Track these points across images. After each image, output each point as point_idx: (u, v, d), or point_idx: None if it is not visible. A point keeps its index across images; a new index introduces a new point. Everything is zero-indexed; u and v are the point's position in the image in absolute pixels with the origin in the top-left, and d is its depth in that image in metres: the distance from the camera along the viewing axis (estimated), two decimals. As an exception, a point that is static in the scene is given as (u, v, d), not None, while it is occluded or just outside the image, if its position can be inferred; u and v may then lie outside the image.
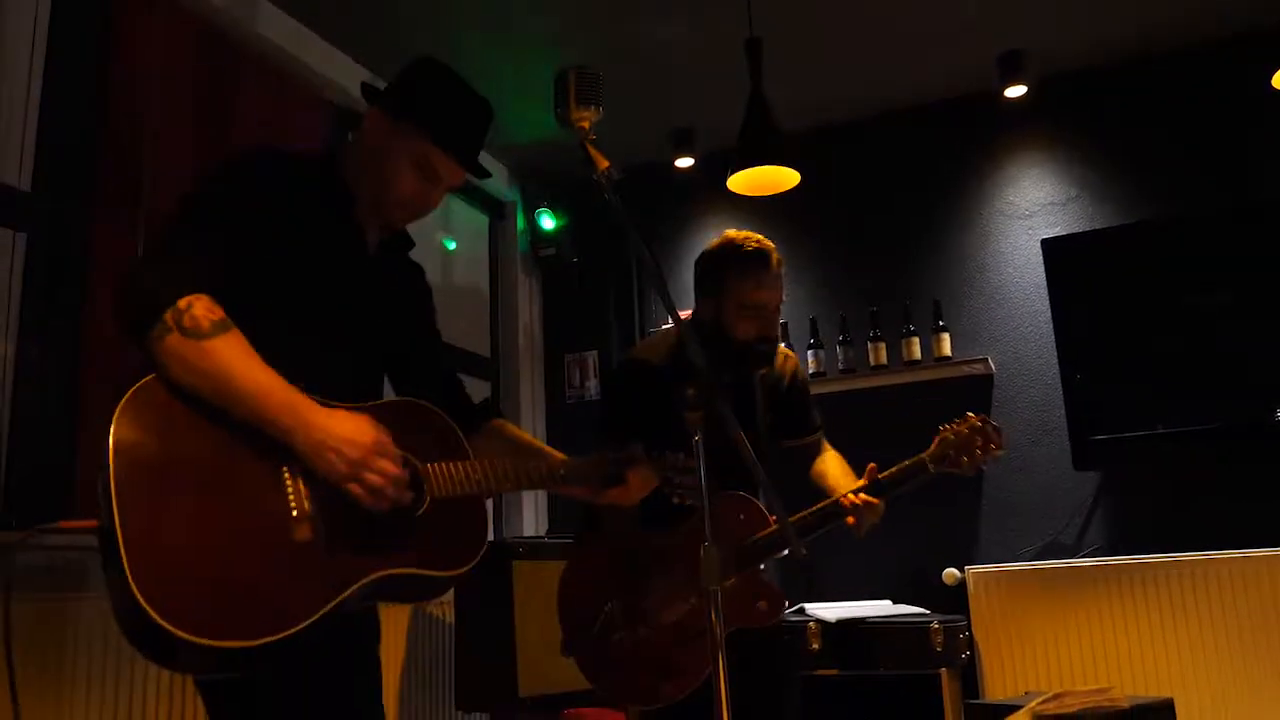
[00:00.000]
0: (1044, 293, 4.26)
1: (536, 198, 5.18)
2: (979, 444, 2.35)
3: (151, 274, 1.52)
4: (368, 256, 1.84)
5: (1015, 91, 4.22)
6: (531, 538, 4.46)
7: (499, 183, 5.09)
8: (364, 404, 1.65)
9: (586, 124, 1.70)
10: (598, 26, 3.89)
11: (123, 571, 1.32)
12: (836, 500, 2.38)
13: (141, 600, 1.32)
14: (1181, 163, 4.14)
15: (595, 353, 5.07)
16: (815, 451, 2.70)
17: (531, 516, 4.89)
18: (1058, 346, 4.18)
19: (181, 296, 1.49)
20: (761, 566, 2.41)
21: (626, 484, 1.96)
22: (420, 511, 1.63)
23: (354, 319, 1.77)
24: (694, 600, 2.30)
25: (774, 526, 2.34)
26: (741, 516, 2.38)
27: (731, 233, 2.56)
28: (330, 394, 1.61)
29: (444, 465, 1.69)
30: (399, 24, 3.69)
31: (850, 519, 2.34)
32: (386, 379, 1.95)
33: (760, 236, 2.53)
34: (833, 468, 2.61)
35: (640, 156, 4.71)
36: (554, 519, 4.92)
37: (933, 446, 2.38)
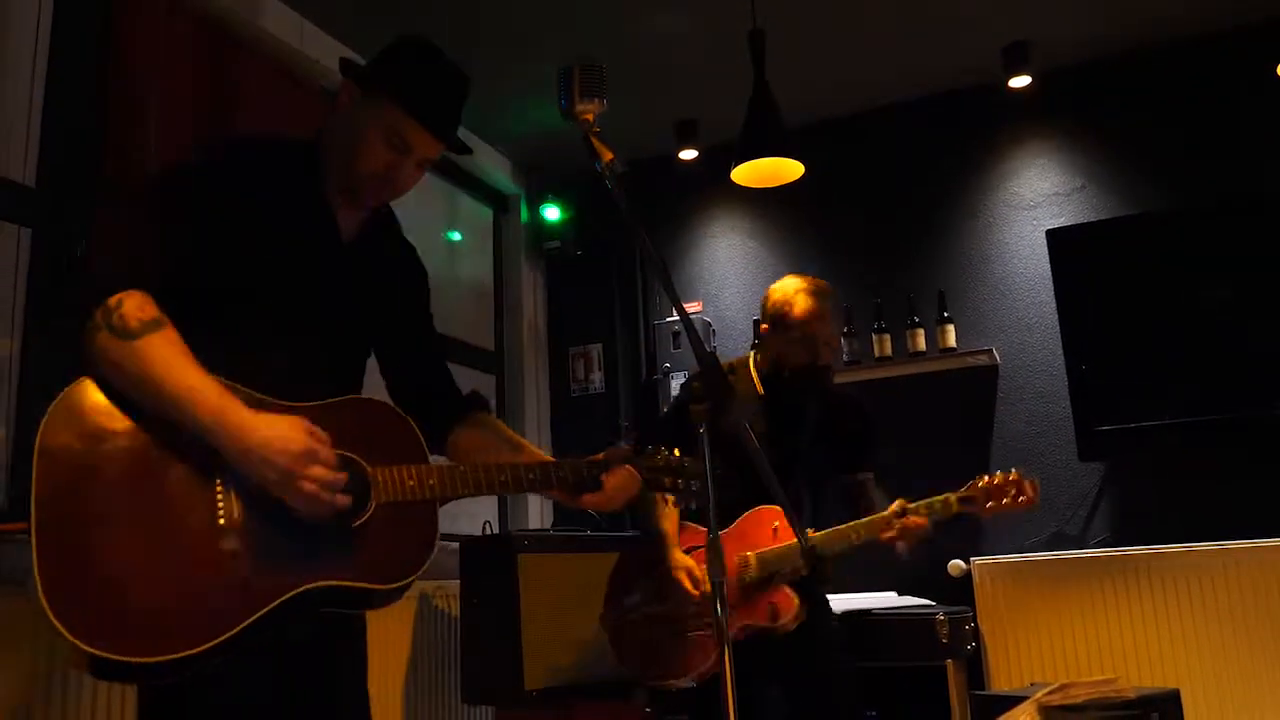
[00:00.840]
0: (1049, 284, 4.25)
1: (541, 191, 5.18)
2: (1011, 494, 2.43)
3: (88, 269, 1.48)
4: (341, 245, 1.75)
5: (1020, 82, 4.21)
6: (537, 531, 4.47)
7: (503, 176, 5.09)
8: (313, 403, 1.57)
9: (590, 117, 1.68)
10: (601, 19, 3.88)
11: (35, 584, 1.29)
12: (881, 518, 2.54)
13: (50, 614, 1.28)
14: (1187, 154, 4.13)
15: (600, 346, 5.07)
16: (858, 492, 2.83)
17: (537, 509, 4.89)
18: (1063, 337, 4.17)
19: (112, 293, 1.45)
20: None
21: (604, 490, 1.80)
22: (363, 519, 1.54)
23: (323, 311, 1.70)
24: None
25: (792, 542, 2.53)
26: (774, 528, 2.54)
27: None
28: (298, 389, 1.57)
29: (395, 470, 1.59)
30: (400, 16, 3.69)
31: (893, 536, 2.53)
32: (380, 370, 1.90)
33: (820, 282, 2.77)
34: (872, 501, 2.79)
35: (643, 149, 4.71)
36: (559, 512, 4.92)
37: (964, 489, 2.49)
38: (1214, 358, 3.88)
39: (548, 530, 4.29)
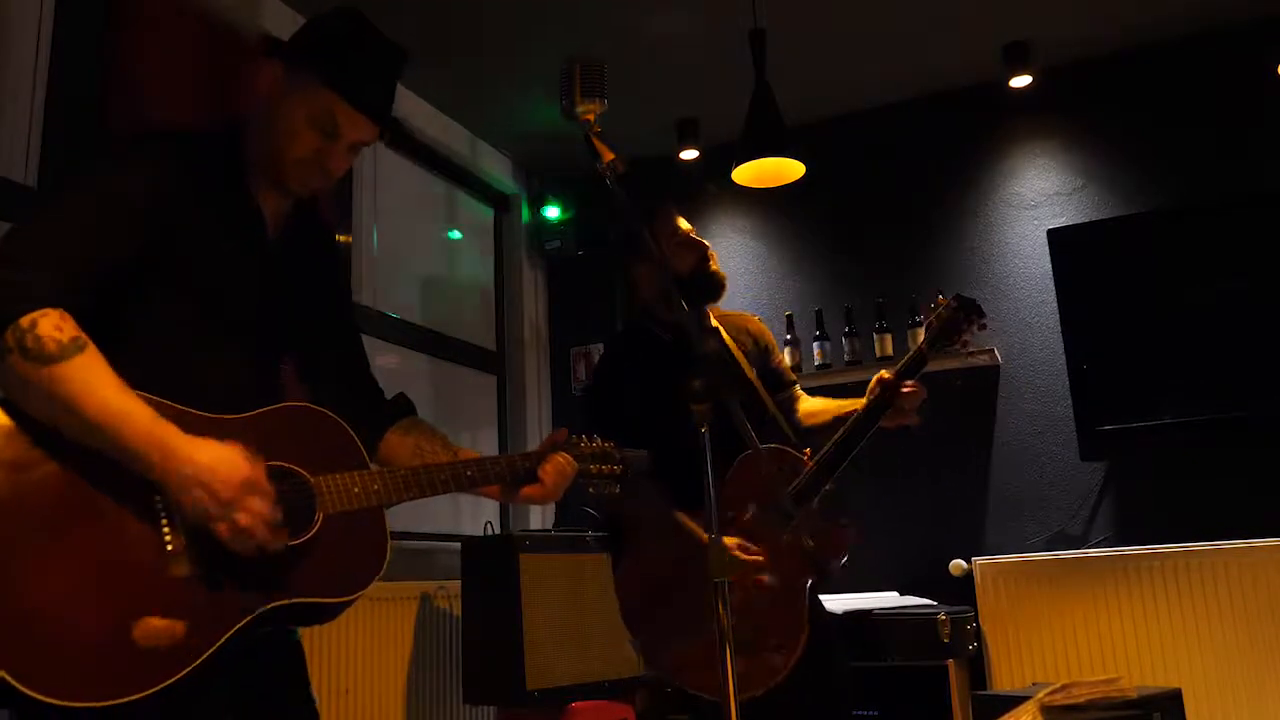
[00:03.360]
0: (1050, 283, 4.25)
1: (541, 190, 5.18)
2: (963, 321, 2.37)
3: None
4: (266, 240, 1.64)
5: (1020, 81, 4.21)
6: (538, 531, 4.47)
7: (504, 175, 5.09)
8: (245, 414, 1.49)
9: (591, 116, 1.68)
10: (601, 18, 3.88)
11: None
12: (879, 395, 2.35)
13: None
14: (1188, 151, 4.12)
15: (601, 345, 5.07)
16: (794, 402, 2.70)
17: (539, 509, 4.89)
18: (1064, 337, 4.17)
19: (24, 312, 1.31)
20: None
21: (541, 482, 1.74)
22: (312, 532, 1.47)
23: (248, 311, 1.60)
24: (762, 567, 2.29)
25: (810, 464, 2.36)
26: (779, 468, 2.37)
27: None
28: (224, 394, 1.49)
29: (338, 478, 1.51)
30: (401, 15, 3.68)
31: (898, 403, 2.34)
32: (299, 375, 1.78)
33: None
34: (824, 401, 2.66)
35: (644, 149, 4.70)
36: (560, 512, 4.92)
37: (922, 335, 2.41)
38: (1216, 356, 3.87)
39: (549, 530, 4.29)
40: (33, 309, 1.32)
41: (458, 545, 3.81)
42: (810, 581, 2.37)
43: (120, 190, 1.47)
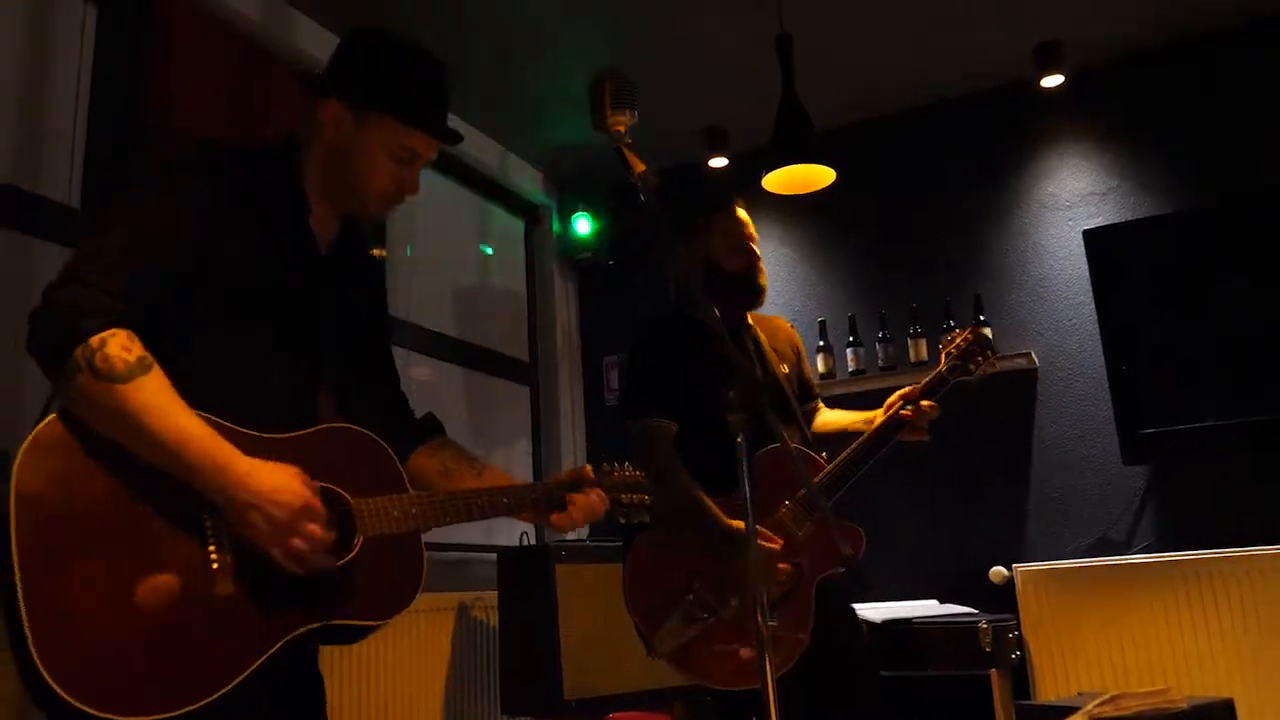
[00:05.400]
0: (1087, 284, 4.19)
1: (572, 201, 5.19)
2: (977, 353, 2.55)
3: (63, 300, 1.37)
4: (319, 258, 1.70)
5: (1052, 81, 4.16)
6: (573, 540, 4.46)
7: (534, 188, 5.11)
8: (296, 433, 1.53)
9: (622, 128, 1.67)
10: (630, 27, 3.89)
11: (27, 648, 1.23)
12: (895, 413, 2.48)
13: (49, 680, 1.23)
14: (1223, 148, 4.06)
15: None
16: (813, 414, 2.78)
17: (573, 520, 4.89)
18: (1102, 339, 4.11)
19: (94, 331, 1.35)
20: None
21: (570, 515, 1.77)
22: (352, 555, 1.50)
23: (299, 328, 1.64)
24: (786, 560, 2.32)
25: (830, 466, 2.45)
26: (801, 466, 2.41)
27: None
28: (269, 408, 1.53)
29: (377, 501, 1.55)
30: (431, 31, 3.71)
31: (912, 419, 2.46)
32: (334, 393, 1.79)
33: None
34: (842, 413, 2.75)
35: (673, 157, 4.70)
36: (595, 522, 4.91)
37: (943, 361, 2.55)
38: (1259, 356, 3.80)
39: (584, 541, 4.29)
40: (102, 329, 1.36)
41: (493, 556, 3.82)
42: (823, 577, 2.41)
43: (179, 208, 1.50)
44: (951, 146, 4.55)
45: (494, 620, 3.86)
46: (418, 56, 1.71)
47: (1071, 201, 4.32)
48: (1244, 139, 4.03)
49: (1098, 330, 4.13)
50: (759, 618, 1.56)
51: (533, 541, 4.37)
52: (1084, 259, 4.20)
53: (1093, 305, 4.16)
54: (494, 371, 4.82)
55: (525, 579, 3.61)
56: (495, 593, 3.73)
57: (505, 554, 3.77)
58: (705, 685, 2.31)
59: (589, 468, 1.83)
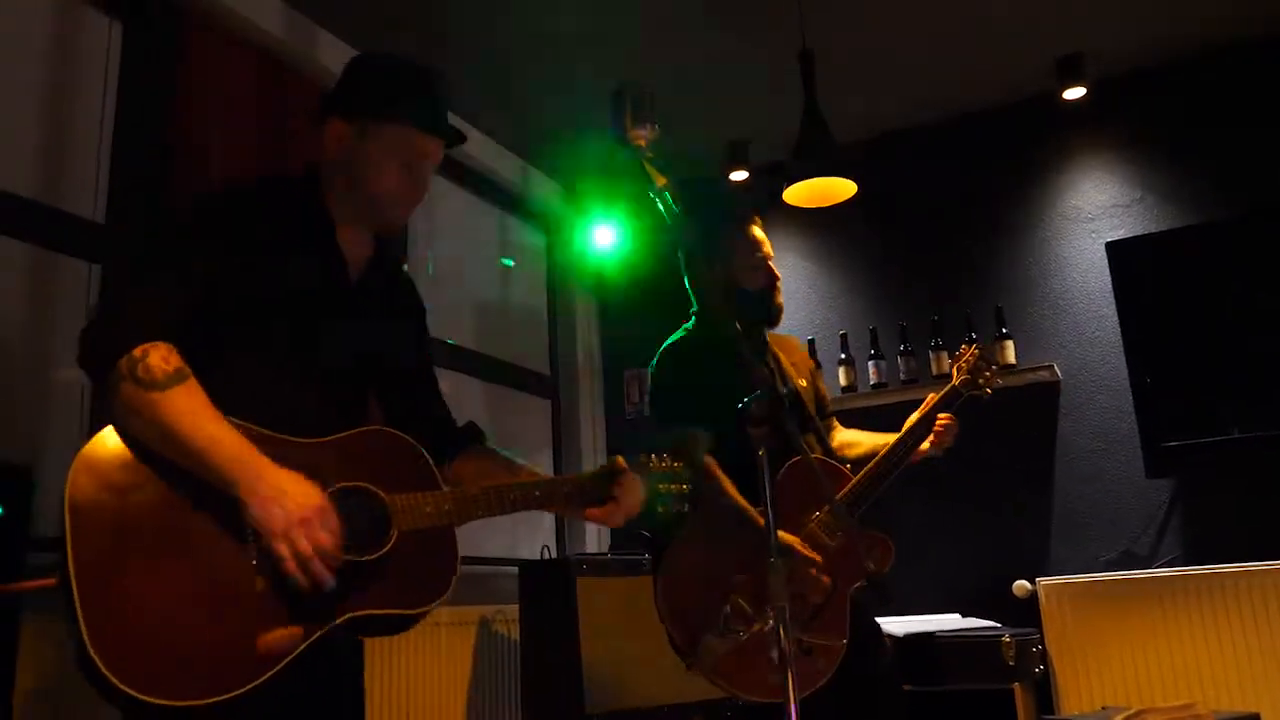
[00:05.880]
0: (1110, 297, 4.17)
1: (593, 215, 5.21)
2: (984, 371, 2.65)
3: (110, 317, 1.51)
4: (349, 282, 1.77)
5: (1075, 93, 4.15)
6: (595, 554, 4.47)
7: (555, 201, 5.14)
8: (332, 437, 1.61)
9: (643, 142, 1.68)
10: (649, 42, 3.91)
11: (82, 640, 1.32)
12: (918, 424, 2.56)
13: (103, 668, 1.31)
14: (1247, 159, 4.03)
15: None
16: (830, 432, 2.80)
17: (594, 532, 4.89)
18: (1126, 351, 4.09)
19: (138, 344, 1.46)
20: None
21: (616, 500, 1.78)
22: (387, 548, 1.56)
23: (334, 350, 1.71)
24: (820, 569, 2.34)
25: (855, 477, 2.49)
26: (826, 477, 2.46)
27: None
28: (309, 429, 1.58)
29: (411, 496, 1.61)
30: (452, 49, 3.75)
31: (940, 431, 2.56)
32: (377, 403, 1.90)
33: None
34: (858, 432, 2.80)
35: (694, 170, 4.72)
36: (616, 536, 4.92)
37: (955, 376, 2.65)
38: (1285, 369, 3.77)
39: (605, 554, 4.29)
40: (145, 341, 1.46)
41: (515, 570, 3.82)
42: (854, 588, 2.40)
43: (216, 236, 1.60)
44: (973, 159, 4.55)
45: (515, 634, 3.87)
46: (405, 65, 1.77)
47: (1094, 214, 4.30)
48: (1267, 150, 4.00)
49: (1121, 343, 4.11)
50: (780, 631, 1.56)
51: (554, 555, 4.38)
52: (1107, 271, 4.18)
53: (1116, 318, 4.14)
54: (515, 385, 4.84)
55: (547, 592, 3.61)
56: (516, 606, 3.73)
57: (527, 567, 3.77)
58: (741, 697, 2.29)
59: (621, 459, 1.83)
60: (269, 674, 1.42)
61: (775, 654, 2.14)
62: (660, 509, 1.85)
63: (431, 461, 1.70)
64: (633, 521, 1.82)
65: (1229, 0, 3.82)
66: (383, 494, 1.59)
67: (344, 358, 1.73)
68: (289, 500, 1.44)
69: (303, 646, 1.46)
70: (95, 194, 2.97)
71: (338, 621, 1.50)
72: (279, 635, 1.44)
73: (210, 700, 1.37)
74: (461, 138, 1.81)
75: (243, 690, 1.39)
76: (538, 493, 1.75)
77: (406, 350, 1.91)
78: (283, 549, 1.43)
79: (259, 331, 1.62)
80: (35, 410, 2.78)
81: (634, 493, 1.79)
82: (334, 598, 1.49)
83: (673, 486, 1.86)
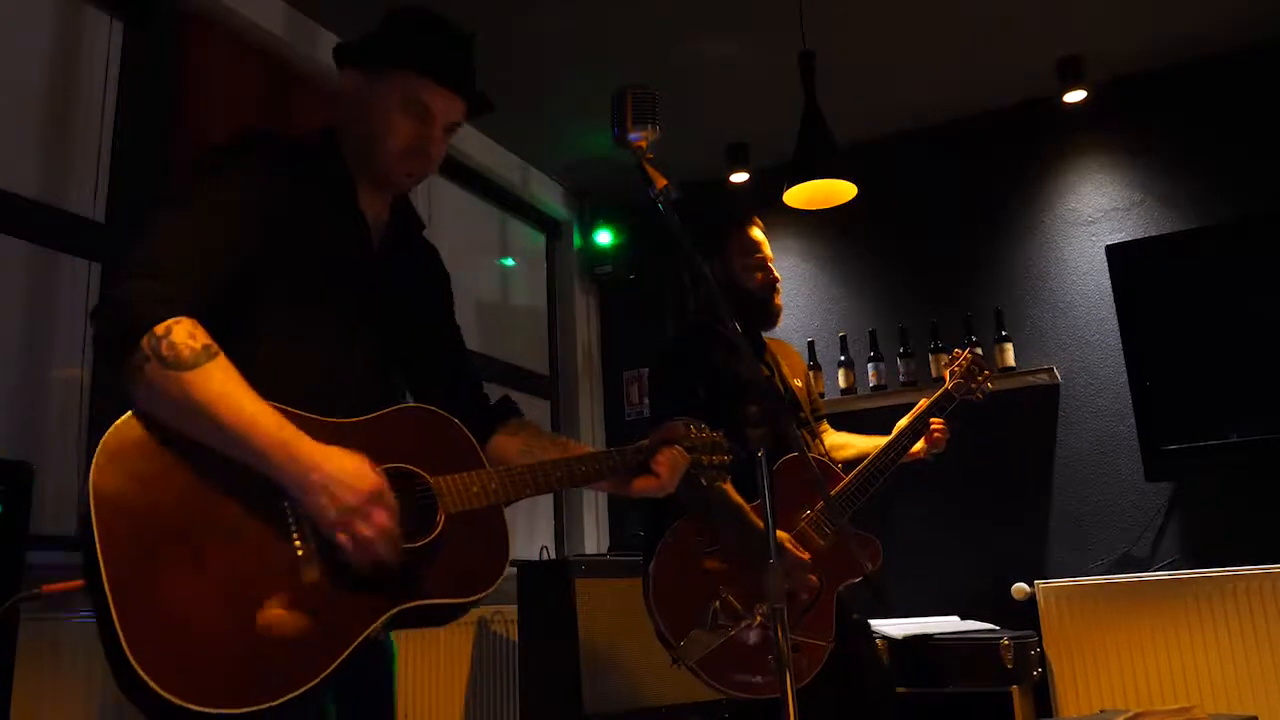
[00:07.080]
0: (1109, 300, 4.17)
1: (593, 216, 5.22)
2: (978, 376, 2.71)
3: (127, 291, 1.35)
4: (372, 247, 1.68)
5: (1075, 96, 4.15)
6: (593, 555, 4.47)
7: (555, 202, 5.14)
8: (365, 416, 1.50)
9: (644, 143, 1.67)
10: (650, 44, 3.91)
11: (119, 645, 1.20)
12: (908, 429, 2.58)
13: (144, 675, 1.20)
14: (1247, 163, 4.04)
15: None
16: (821, 435, 2.81)
17: (593, 533, 4.89)
18: (1125, 354, 4.09)
19: (160, 320, 1.33)
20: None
21: (655, 474, 1.72)
22: (436, 534, 1.47)
23: (360, 316, 1.62)
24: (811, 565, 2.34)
25: (847, 478, 2.52)
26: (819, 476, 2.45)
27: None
28: (339, 399, 1.49)
29: (459, 478, 1.51)
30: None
31: (933, 435, 2.59)
32: (406, 380, 1.80)
33: None
34: (849, 435, 2.82)
35: (695, 172, 4.72)
36: (615, 537, 4.92)
37: (949, 380, 2.69)
38: (1284, 373, 3.77)
39: (604, 555, 4.29)
40: (167, 317, 1.34)
41: (513, 570, 3.82)
42: (841, 587, 2.43)
43: (234, 198, 1.49)
44: (974, 162, 4.55)
45: (514, 634, 3.87)
46: (430, 17, 1.68)
47: (1094, 217, 4.30)
48: (1268, 154, 4.00)
49: (1120, 346, 4.11)
50: (778, 632, 1.56)
51: (553, 555, 4.37)
52: (1107, 274, 4.18)
53: (1115, 321, 4.14)
54: (514, 385, 4.84)
55: (545, 593, 3.61)
56: (515, 607, 3.73)
57: (525, 568, 3.77)
58: (726, 694, 2.31)
59: (672, 426, 1.78)
60: (321, 676, 1.32)
61: (768, 654, 2.15)
62: (703, 480, 1.81)
63: (474, 439, 1.60)
64: (681, 490, 1.80)
65: (1229, 4, 3.83)
66: (427, 475, 1.49)
67: (369, 326, 1.63)
68: (340, 486, 1.34)
69: (357, 641, 1.36)
70: (95, 194, 2.97)
71: (390, 613, 1.41)
72: (340, 626, 1.35)
73: (255, 708, 1.26)
74: (487, 104, 1.71)
75: (307, 687, 1.30)
76: (583, 468, 1.67)
77: (436, 320, 1.83)
78: (342, 539, 1.34)
79: (280, 298, 1.51)
80: (35, 409, 2.78)
81: (671, 466, 1.73)
82: (384, 589, 1.40)
83: (715, 457, 1.82)
